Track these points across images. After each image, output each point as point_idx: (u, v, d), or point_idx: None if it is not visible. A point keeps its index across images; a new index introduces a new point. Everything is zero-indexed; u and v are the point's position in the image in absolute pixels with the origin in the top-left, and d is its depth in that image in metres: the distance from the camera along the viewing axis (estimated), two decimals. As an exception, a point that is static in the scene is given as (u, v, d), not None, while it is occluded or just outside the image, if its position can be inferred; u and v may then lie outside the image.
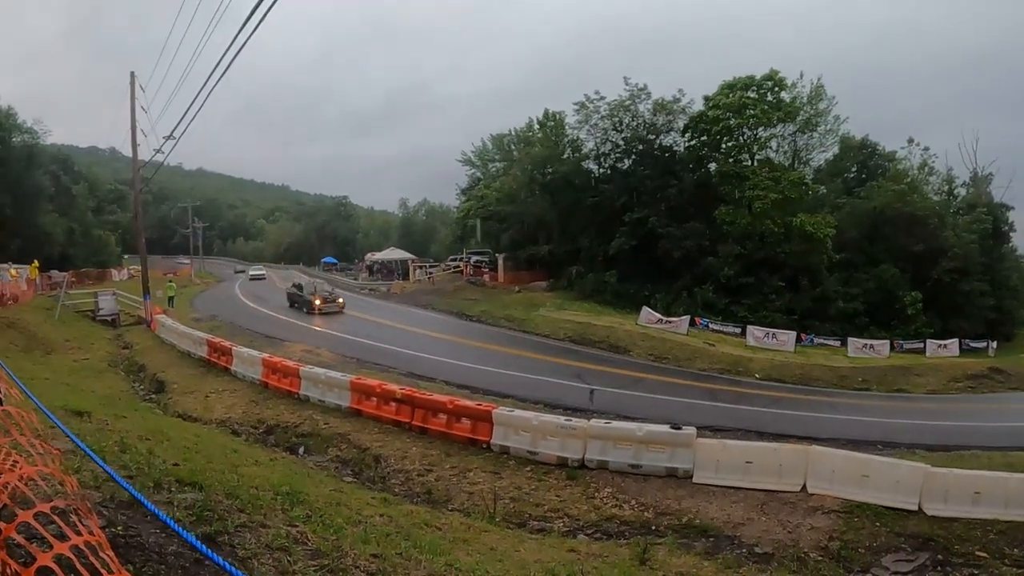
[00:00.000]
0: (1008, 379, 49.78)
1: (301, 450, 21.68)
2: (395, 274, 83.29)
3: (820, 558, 15.72)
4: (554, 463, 19.70)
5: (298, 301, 55.07)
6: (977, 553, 16.43)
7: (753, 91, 68.59)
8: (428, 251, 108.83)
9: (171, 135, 40.90)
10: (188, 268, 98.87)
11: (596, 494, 18.24)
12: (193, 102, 25.32)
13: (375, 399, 23.70)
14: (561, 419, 21.35)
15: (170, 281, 61.48)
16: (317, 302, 52.66)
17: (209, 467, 11.68)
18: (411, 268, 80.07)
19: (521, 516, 16.80)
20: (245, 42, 18.24)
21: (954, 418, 36.33)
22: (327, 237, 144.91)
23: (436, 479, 18.61)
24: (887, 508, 17.86)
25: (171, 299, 54.57)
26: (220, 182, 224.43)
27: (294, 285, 58.55)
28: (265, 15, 16.25)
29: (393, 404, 23.05)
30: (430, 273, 75.29)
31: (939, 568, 15.83)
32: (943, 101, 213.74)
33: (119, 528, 6.63)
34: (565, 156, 75.36)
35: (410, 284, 70.99)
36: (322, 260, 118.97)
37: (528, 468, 19.49)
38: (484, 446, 20.67)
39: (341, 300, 54.34)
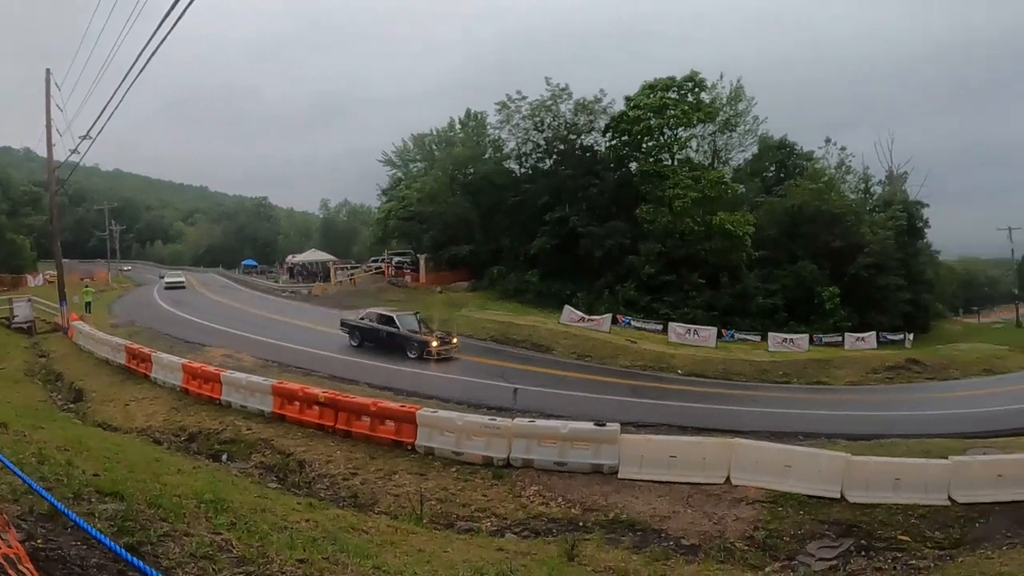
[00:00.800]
0: (924, 369, 51.26)
1: (224, 457, 21.41)
2: (317, 276, 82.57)
3: (746, 548, 16.04)
4: (480, 463, 19.77)
5: (381, 339, 41.20)
6: (899, 537, 16.91)
7: (674, 92, 69.34)
8: (350, 252, 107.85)
9: (87, 134, 39.95)
10: (106, 272, 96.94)
11: (523, 492, 18.34)
12: (110, 100, 24.56)
13: (298, 403, 23.55)
14: (485, 419, 21.48)
15: (87, 286, 60.25)
16: (434, 344, 39.93)
17: (131, 477, 11.47)
18: (332, 270, 79.33)
19: (448, 517, 16.84)
20: (164, 39, 18.02)
21: (873, 408, 37.37)
22: (247, 239, 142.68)
23: (362, 482, 18.55)
24: (810, 497, 18.26)
25: (88, 305, 53.28)
26: (138, 183, 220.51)
27: (377, 317, 42.80)
28: (183, 12, 16.05)
29: (316, 408, 22.91)
30: (351, 275, 74.61)
31: (863, 553, 16.23)
32: (861, 103, 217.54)
33: (38, 541, 6.52)
34: (487, 156, 75.81)
35: (331, 286, 70.18)
36: (242, 263, 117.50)
37: (454, 469, 19.54)
38: (409, 448, 20.65)
39: (455, 339, 42.39)
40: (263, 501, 13.43)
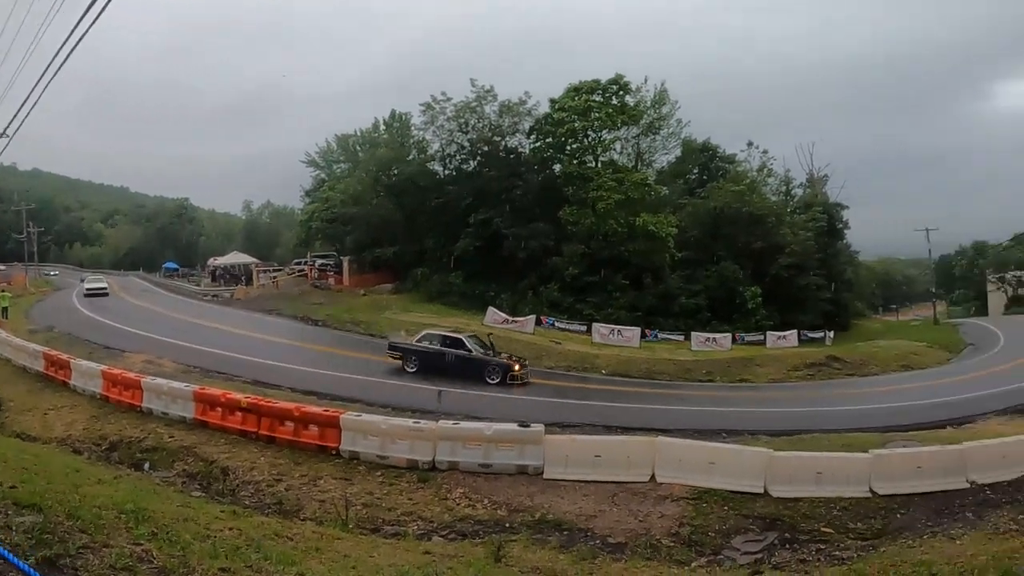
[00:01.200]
0: (844, 366, 52.49)
1: (147, 466, 21.07)
2: (239, 279, 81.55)
3: (672, 544, 16.29)
4: (405, 466, 19.76)
5: (447, 364, 37.39)
6: (823, 529, 17.36)
7: (598, 94, 69.89)
8: (273, 255, 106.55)
9: (4, 132, 39.07)
10: (23, 276, 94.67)
11: (449, 495, 18.39)
12: (28, 96, 23.75)
13: (220, 409, 23.19)
14: (410, 422, 21.49)
15: (2, 291, 58.86)
16: (516, 368, 37.72)
17: (49, 488, 11.22)
18: (255, 273, 78.37)
19: (374, 521, 16.79)
20: (85, 33, 17.70)
21: (795, 404, 37.89)
22: (168, 241, 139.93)
23: (286, 488, 18.39)
24: (734, 492, 18.64)
25: (5, 310, 52.07)
26: (57, 183, 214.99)
27: (440, 340, 39.37)
28: (106, 5, 15.78)
29: (239, 414, 22.60)
30: (274, 277, 73.67)
31: (787, 546, 16.64)
32: (783, 107, 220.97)
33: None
34: (411, 157, 75.46)
35: (254, 289, 69.04)
36: (163, 266, 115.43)
37: (379, 473, 19.47)
38: (334, 452, 20.53)
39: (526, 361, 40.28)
40: (186, 510, 13.22)
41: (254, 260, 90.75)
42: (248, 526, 12.97)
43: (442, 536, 16.32)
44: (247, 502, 17.55)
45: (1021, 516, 17.29)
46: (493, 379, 36.90)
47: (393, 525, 16.75)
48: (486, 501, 18.14)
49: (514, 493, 18.52)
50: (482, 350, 38.67)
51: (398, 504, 17.85)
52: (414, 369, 37.25)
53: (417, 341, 38.89)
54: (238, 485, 18.88)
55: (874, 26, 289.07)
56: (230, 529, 12.09)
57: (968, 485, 20.00)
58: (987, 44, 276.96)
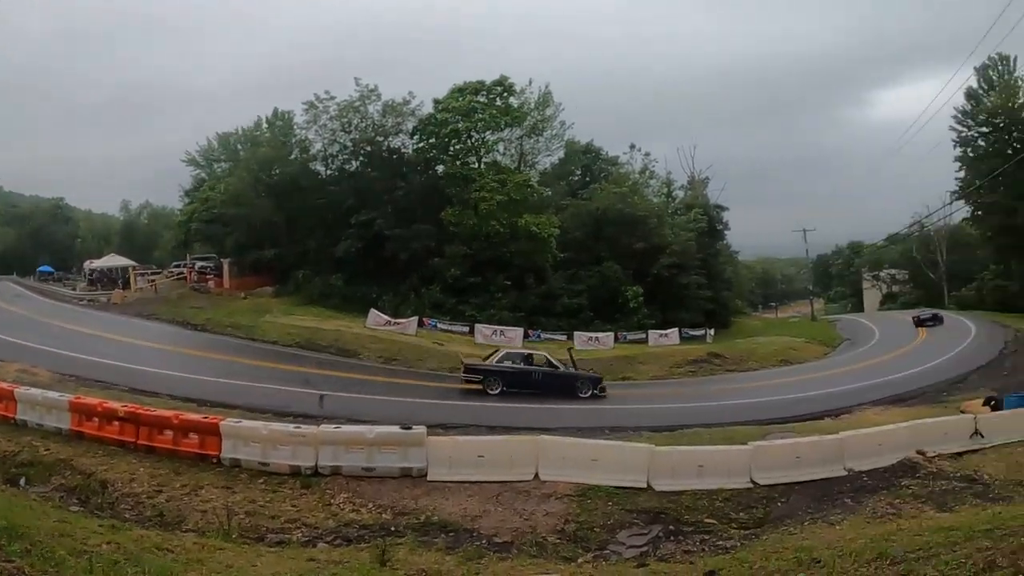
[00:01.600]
0: (725, 362, 54.26)
1: (22, 481, 20.34)
2: (117, 283, 79.39)
3: (558, 541, 16.42)
4: (287, 472, 19.35)
5: (533, 381, 37.49)
6: (706, 520, 17.85)
7: (483, 95, 70.11)
8: (151, 257, 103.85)
9: None
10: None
11: (332, 500, 18.15)
12: None
13: (97, 419, 22.15)
14: (291, 427, 20.98)
15: None
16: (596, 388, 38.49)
17: (-85, 510, 10.94)
18: (133, 276, 76.37)
19: (258, 530, 16.33)
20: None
21: (677, 400, 39.08)
22: (43, 243, 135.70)
23: (167, 500, 17.77)
24: (618, 488, 19.00)
25: None
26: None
27: (523, 358, 39.56)
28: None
29: (117, 423, 21.67)
30: (152, 280, 71.82)
31: (672, 538, 16.95)
32: (666, 111, 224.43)
33: None
34: (293, 157, 74.17)
35: (132, 293, 66.94)
36: (38, 269, 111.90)
37: (261, 480, 19.00)
38: (215, 460, 19.94)
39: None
40: (63, 526, 12.87)
41: (132, 263, 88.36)
42: (127, 540, 12.69)
43: (327, 542, 16.01)
44: (127, 515, 16.80)
45: (897, 500, 18.29)
46: (585, 393, 37.90)
47: (277, 533, 16.36)
48: (370, 505, 17.95)
49: (398, 496, 18.39)
50: (571, 367, 39.37)
51: (282, 511, 17.44)
52: (497, 391, 36.57)
53: (497, 362, 38.35)
54: (118, 498, 18.23)
55: (756, 34, 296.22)
56: (108, 544, 11.83)
57: (846, 472, 21.01)
58: (864, 54, 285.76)
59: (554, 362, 39.17)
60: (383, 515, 17.47)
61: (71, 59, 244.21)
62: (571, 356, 41.17)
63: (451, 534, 16.51)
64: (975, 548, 10.01)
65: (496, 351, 41.06)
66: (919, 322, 79.11)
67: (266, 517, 17.06)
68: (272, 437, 19.94)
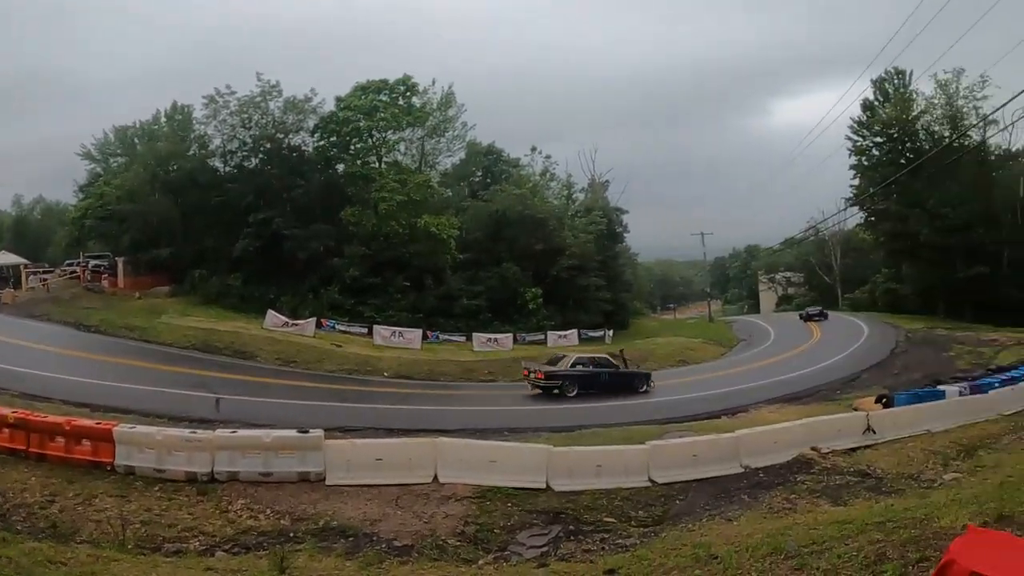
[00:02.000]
0: (623, 363, 54.02)
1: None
2: (7, 282, 77.00)
3: (458, 543, 16.48)
4: (183, 479, 18.86)
5: (602, 382, 40.58)
6: (605, 519, 18.11)
7: (385, 94, 69.91)
8: (44, 255, 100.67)
9: None
10: None
11: (230, 507, 17.79)
12: None
13: (-15, 427, 21.79)
14: (186, 432, 20.66)
15: None
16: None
17: None
18: (24, 274, 74.14)
19: (154, 540, 15.87)
20: None
21: (575, 401, 38.80)
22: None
23: (60, 510, 17.14)
24: (517, 489, 19.18)
25: None
26: None
27: (593, 362, 42.49)
28: None
29: (7, 430, 20.76)
30: (44, 279, 69.80)
31: (572, 537, 17.12)
32: (567, 115, 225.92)
33: None
34: (191, 152, 72.72)
35: (23, 292, 65.03)
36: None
37: (157, 487, 18.45)
38: (109, 468, 19.23)
39: None
40: (-49, 543, 12.69)
41: (23, 260, 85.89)
42: (18, 553, 12.53)
43: (225, 551, 15.73)
44: (19, 527, 16.10)
45: (792, 495, 18.99)
46: (642, 388, 42.12)
47: (174, 542, 15.95)
48: (268, 511, 17.67)
49: (297, 501, 18.17)
50: (627, 366, 43.72)
51: (178, 520, 16.98)
52: (574, 393, 39.09)
53: (571, 367, 40.72)
54: (9, 509, 17.64)
55: (661, 42, 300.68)
56: (-1, 558, 11.69)
57: (743, 469, 21.65)
58: (766, 65, 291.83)
59: (613, 362, 42.92)
60: (281, 521, 17.22)
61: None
62: (623, 356, 45.16)
63: (351, 539, 16.38)
64: (867, 541, 10.48)
65: (563, 356, 43.65)
66: (807, 317, 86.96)
67: (162, 526, 16.59)
68: (167, 443, 19.40)
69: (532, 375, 40.87)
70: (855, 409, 29.72)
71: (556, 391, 39.39)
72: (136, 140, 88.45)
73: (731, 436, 23.29)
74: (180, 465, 19.16)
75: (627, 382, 42.00)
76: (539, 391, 40.33)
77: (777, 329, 78.99)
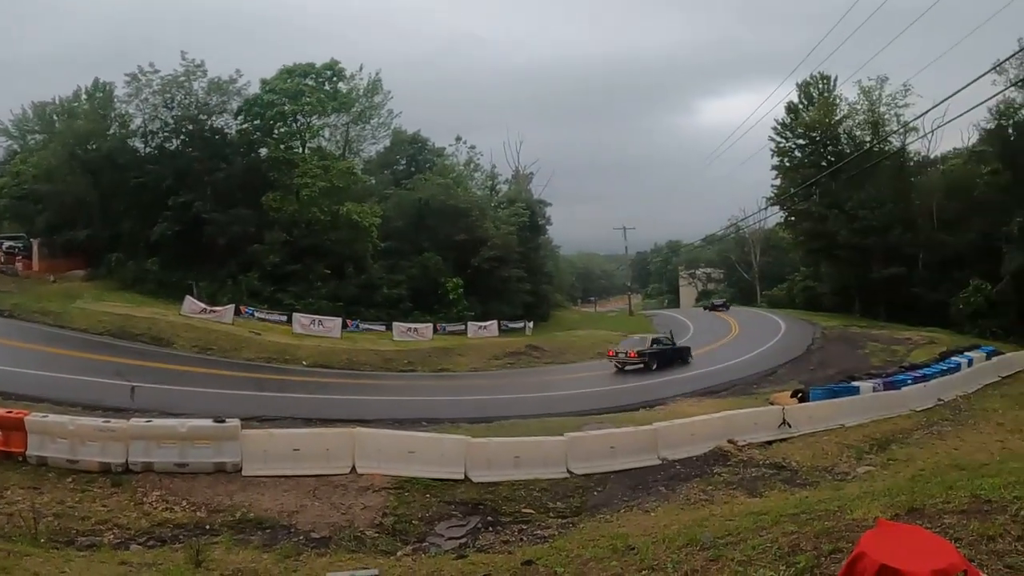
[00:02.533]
0: (543, 354, 55.88)
1: None
2: (-86, 263, 74.76)
3: (377, 535, 16.67)
4: (97, 470, 18.49)
5: (670, 358, 48.73)
6: (523, 510, 18.52)
7: (311, 79, 69.80)
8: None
9: None
10: None
11: (145, 499, 17.52)
12: None
13: None
14: (99, 421, 20.16)
15: None
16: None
17: None
18: (-66, 255, 71.97)
19: (68, 533, 15.59)
20: None
21: (495, 392, 39.77)
22: None
23: None
24: (436, 480, 19.52)
25: None
26: None
27: (664, 340, 50.97)
28: None
29: None
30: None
31: (490, 528, 17.51)
32: (493, 107, 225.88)
33: None
34: (111, 132, 70.55)
35: None
36: None
37: (70, 479, 18.09)
38: (20, 459, 18.74)
39: None
40: None
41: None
42: (-75, 549, 12.39)
43: (140, 544, 15.52)
44: None
45: (709, 487, 19.59)
46: (690, 360, 49.80)
47: (88, 536, 15.66)
48: (184, 503, 17.50)
49: (213, 493, 18.04)
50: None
51: (92, 512, 16.67)
52: (655, 367, 46.35)
53: (651, 346, 48.69)
54: None
55: (591, 37, 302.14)
56: (-97, 555, 11.53)
57: (660, 461, 22.27)
58: (694, 65, 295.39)
59: (671, 341, 51.08)
60: (197, 513, 17.07)
61: None
62: (671, 335, 52.68)
63: (268, 531, 16.39)
64: (781, 532, 10.82)
65: (635, 336, 53.73)
66: (712, 307, 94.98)
67: (76, 519, 16.27)
68: (80, 432, 19.00)
69: (622, 355, 47.80)
70: (771, 403, 30.17)
71: (643, 366, 46.32)
72: (55, 117, 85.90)
73: (649, 428, 23.87)
74: (94, 455, 18.79)
75: (683, 356, 50.01)
76: (628, 368, 46.78)
77: (696, 324, 79.89)
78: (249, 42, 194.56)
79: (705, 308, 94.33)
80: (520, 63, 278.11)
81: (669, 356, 48.60)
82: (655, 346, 48.53)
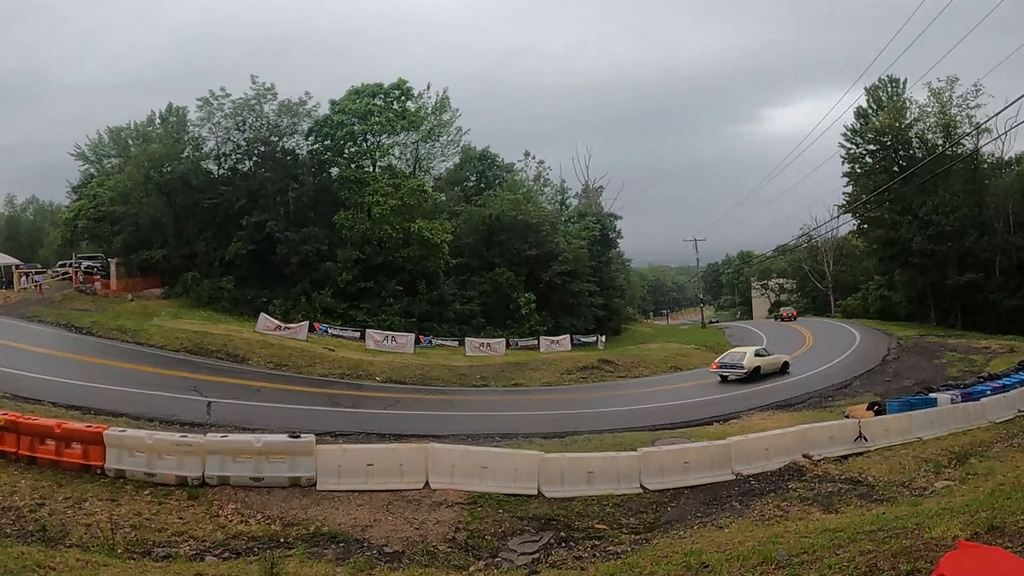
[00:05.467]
0: (616, 368, 55.34)
1: None
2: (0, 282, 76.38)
3: (449, 549, 16.47)
4: (174, 483, 18.73)
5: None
6: (596, 526, 18.12)
7: (380, 98, 70.00)
8: (36, 255, 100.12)
9: None
10: None
11: (220, 512, 17.66)
12: None
13: (-26, 429, 21.52)
14: (176, 436, 20.47)
15: None
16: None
17: None
18: (16, 275, 73.47)
19: (144, 544, 15.73)
20: None
21: (568, 407, 39.42)
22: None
23: (50, 513, 16.93)
24: (509, 495, 19.27)
25: None
26: None
27: (757, 354, 50.68)
28: None
29: None
30: (37, 280, 69.21)
31: (563, 544, 17.16)
32: (561, 121, 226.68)
33: None
34: (185, 155, 71.31)
35: (15, 293, 64.45)
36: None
37: (147, 491, 18.34)
38: (99, 472, 19.11)
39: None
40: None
41: (16, 261, 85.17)
42: (8, 557, 12.46)
43: (215, 556, 15.60)
44: (8, 530, 15.99)
45: (784, 502, 19.01)
46: (787, 371, 50.24)
47: (164, 547, 15.77)
48: (259, 516, 17.59)
49: (287, 506, 18.09)
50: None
51: (168, 524, 16.82)
52: (759, 378, 47.15)
53: (755, 356, 49.02)
54: None
55: (656, 48, 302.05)
56: (-12, 562, 11.59)
57: (734, 477, 21.81)
58: (759, 74, 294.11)
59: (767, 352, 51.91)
60: (272, 526, 17.11)
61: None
62: (767, 349, 53.26)
63: (341, 545, 16.30)
64: (858, 551, 10.47)
65: (736, 350, 52.77)
66: (781, 318, 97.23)
67: (152, 530, 16.43)
68: (157, 446, 19.29)
69: (728, 367, 48.65)
70: (847, 416, 29.52)
71: (749, 378, 46.69)
72: (130, 141, 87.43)
73: (723, 443, 23.36)
74: (170, 469, 19.03)
75: (783, 368, 50.24)
76: (735, 379, 46.95)
77: (770, 335, 78.98)
78: (313, 64, 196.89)
79: (776, 318, 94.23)
80: (589, 77, 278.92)
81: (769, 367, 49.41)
82: (758, 358, 48.87)
